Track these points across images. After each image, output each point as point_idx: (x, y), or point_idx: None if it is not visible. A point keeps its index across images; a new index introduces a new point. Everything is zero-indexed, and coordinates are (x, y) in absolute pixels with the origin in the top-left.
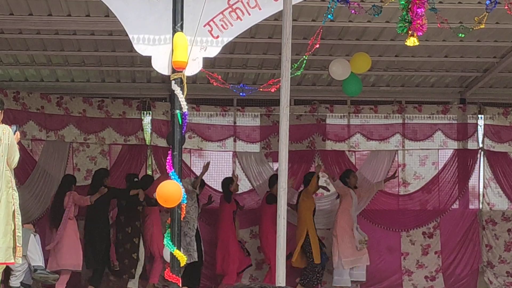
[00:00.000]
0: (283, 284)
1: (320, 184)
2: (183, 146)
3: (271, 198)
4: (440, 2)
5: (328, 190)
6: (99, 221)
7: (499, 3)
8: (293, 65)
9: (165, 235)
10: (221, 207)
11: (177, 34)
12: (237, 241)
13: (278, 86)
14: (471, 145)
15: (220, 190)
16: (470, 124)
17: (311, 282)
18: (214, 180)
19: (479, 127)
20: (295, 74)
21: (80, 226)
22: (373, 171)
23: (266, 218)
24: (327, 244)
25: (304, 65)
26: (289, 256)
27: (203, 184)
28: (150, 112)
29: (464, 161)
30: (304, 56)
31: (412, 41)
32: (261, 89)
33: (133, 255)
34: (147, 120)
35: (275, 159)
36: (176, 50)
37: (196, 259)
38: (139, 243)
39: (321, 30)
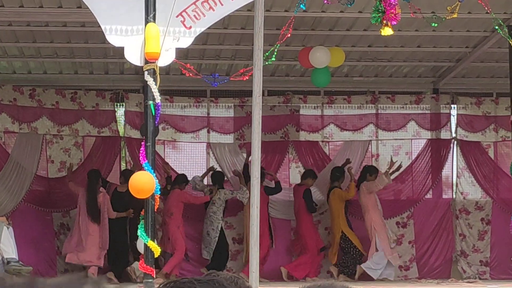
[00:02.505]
0: (256, 273)
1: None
2: (157, 138)
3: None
4: None
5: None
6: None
7: None
8: (265, 55)
9: (139, 226)
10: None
11: (149, 24)
12: (269, 232)
13: (250, 74)
14: (444, 134)
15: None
16: (443, 114)
17: (350, 270)
18: (188, 172)
19: (452, 117)
20: (267, 63)
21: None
22: None
23: (303, 212)
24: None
25: (275, 54)
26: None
27: (221, 177)
28: (124, 104)
29: (437, 150)
30: (275, 45)
31: (386, 31)
32: (232, 79)
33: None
34: (120, 111)
35: (249, 150)
36: (148, 41)
37: (207, 258)
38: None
39: (293, 20)
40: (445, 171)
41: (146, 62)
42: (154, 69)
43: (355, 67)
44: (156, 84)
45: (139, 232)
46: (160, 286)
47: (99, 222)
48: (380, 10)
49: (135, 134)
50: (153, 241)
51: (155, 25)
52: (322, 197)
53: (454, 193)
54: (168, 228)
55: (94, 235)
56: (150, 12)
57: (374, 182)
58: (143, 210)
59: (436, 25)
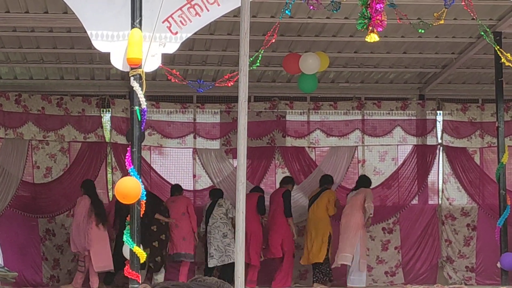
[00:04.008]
0: (242, 278)
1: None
2: (143, 143)
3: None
4: None
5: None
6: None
7: None
8: (249, 60)
9: (125, 231)
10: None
11: (133, 30)
12: (261, 233)
13: (235, 80)
14: (430, 140)
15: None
16: (429, 120)
17: (325, 278)
18: (174, 177)
19: (438, 122)
20: (252, 67)
21: None
22: (333, 167)
23: (279, 212)
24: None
25: (260, 59)
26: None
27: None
28: (110, 109)
29: (423, 156)
30: (260, 51)
31: (372, 37)
32: (217, 84)
33: (163, 251)
34: (106, 117)
35: (236, 156)
36: (131, 47)
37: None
38: (166, 239)
39: (278, 25)
40: (431, 177)
41: (132, 67)
42: (140, 74)
43: (341, 73)
44: (142, 90)
45: (124, 238)
46: None
47: (104, 223)
48: (366, 17)
49: (121, 139)
50: (139, 246)
51: (138, 31)
52: (306, 203)
53: (440, 199)
54: (182, 229)
55: (100, 241)
56: (136, 17)
57: (370, 200)
58: (128, 216)
59: (422, 31)
